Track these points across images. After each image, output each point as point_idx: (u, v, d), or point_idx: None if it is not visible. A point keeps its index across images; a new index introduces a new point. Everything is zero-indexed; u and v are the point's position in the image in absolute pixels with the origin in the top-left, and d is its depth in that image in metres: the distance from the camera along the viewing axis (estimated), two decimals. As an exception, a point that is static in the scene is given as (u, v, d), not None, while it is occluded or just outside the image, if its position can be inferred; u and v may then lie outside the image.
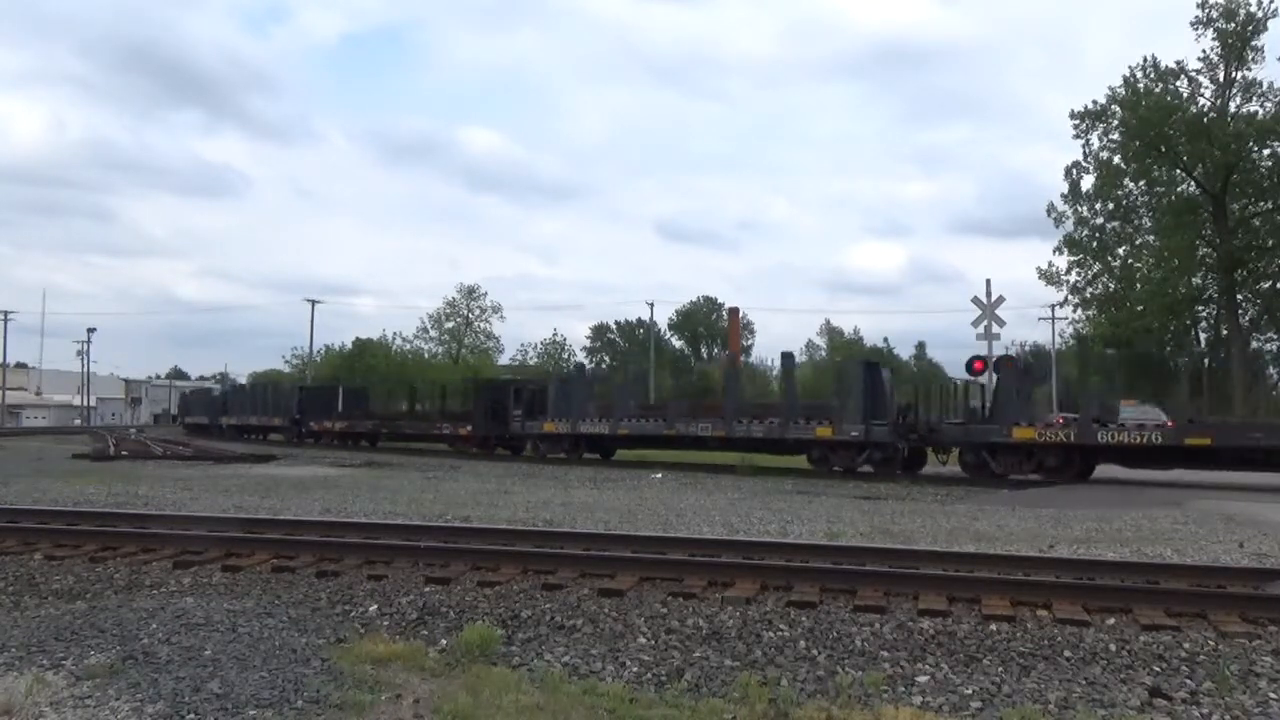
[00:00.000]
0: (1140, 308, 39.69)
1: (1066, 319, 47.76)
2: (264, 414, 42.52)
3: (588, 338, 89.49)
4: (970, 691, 4.60)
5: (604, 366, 74.77)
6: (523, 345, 76.56)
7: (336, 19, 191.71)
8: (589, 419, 25.30)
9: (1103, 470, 18.95)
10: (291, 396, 41.33)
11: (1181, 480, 17.41)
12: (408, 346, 69.03)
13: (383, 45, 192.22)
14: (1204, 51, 38.31)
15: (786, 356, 24.66)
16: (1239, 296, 39.48)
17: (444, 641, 5.45)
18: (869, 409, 19.88)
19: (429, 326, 71.47)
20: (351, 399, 38.32)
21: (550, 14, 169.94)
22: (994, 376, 20.73)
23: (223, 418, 46.86)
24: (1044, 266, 42.61)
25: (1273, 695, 4.52)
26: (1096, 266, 41.77)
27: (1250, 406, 18.56)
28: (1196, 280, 40.18)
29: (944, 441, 19.84)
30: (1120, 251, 42.22)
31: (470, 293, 72.35)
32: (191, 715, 3.96)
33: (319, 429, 37.23)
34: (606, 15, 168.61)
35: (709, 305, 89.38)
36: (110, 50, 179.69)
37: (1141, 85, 39.06)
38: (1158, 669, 4.87)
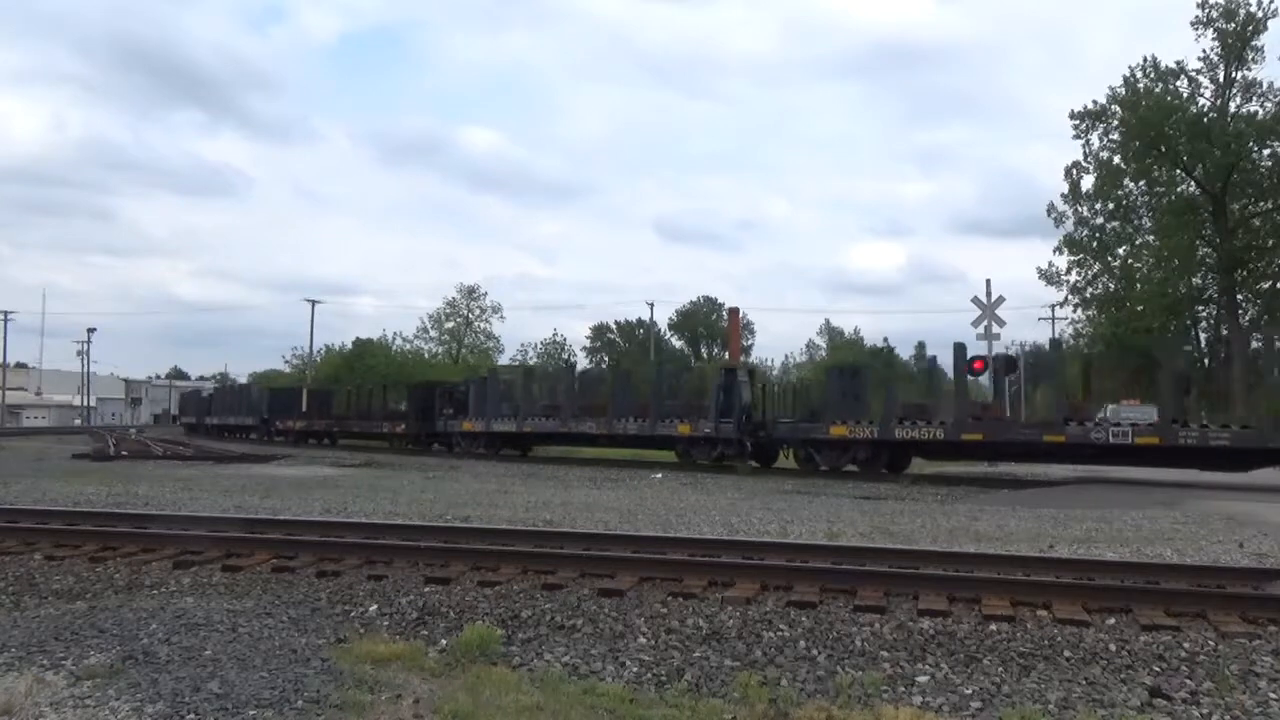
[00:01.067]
0: (1140, 308, 39.65)
1: (1066, 319, 47.74)
2: (240, 414, 45.90)
3: (588, 338, 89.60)
4: (970, 691, 4.60)
5: (603, 366, 74.80)
6: (523, 345, 76.44)
7: (335, 19, 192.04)
8: (501, 418, 28.06)
9: (1106, 470, 18.98)
10: (262, 398, 44.86)
11: (1181, 481, 17.43)
12: (408, 347, 68.97)
13: (382, 45, 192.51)
14: (1204, 51, 38.30)
15: (658, 365, 28.62)
16: (1239, 296, 39.47)
17: (444, 641, 5.45)
18: (723, 409, 22.58)
19: (429, 326, 71.45)
20: (314, 400, 41.50)
21: (549, 14, 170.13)
22: (833, 378, 23.45)
23: (207, 418, 50.73)
24: (1044, 266, 42.61)
25: (1273, 695, 4.52)
26: (1096, 266, 41.73)
27: (1250, 406, 18.64)
28: (1196, 280, 40.14)
29: (778, 437, 22.39)
30: (1120, 251, 42.18)
31: (470, 293, 72.31)
32: (191, 715, 3.96)
33: (283, 428, 40.77)
34: (606, 15, 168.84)
35: (709, 305, 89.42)
36: (109, 49, 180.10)
37: (1141, 85, 39.03)
38: (1158, 669, 4.87)
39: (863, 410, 21.18)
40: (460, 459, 27.31)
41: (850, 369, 24.96)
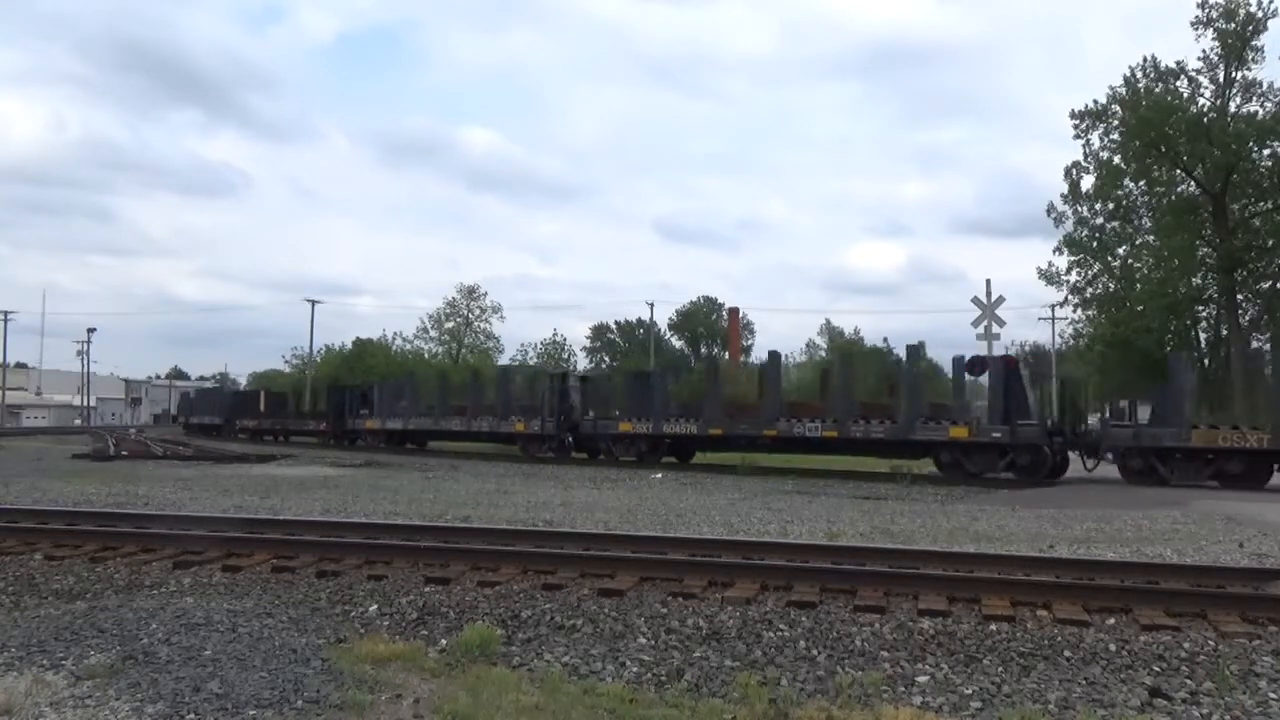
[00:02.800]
0: (1140, 308, 39.63)
1: (1066, 319, 47.73)
2: (213, 414, 50.76)
3: (587, 338, 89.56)
4: (970, 691, 4.60)
5: (604, 366, 74.87)
6: (523, 345, 76.36)
7: (334, 19, 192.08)
8: (393, 417, 32.65)
9: (1106, 470, 18.96)
10: (225, 400, 51.13)
11: (1180, 480, 17.42)
12: (408, 347, 68.95)
13: (381, 45, 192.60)
14: (1204, 51, 38.25)
15: (502, 369, 33.80)
16: (1239, 296, 39.44)
17: (444, 641, 5.45)
18: (552, 410, 25.84)
19: (429, 326, 71.40)
20: (271, 402, 46.08)
21: (548, 13, 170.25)
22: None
23: (192, 417, 55.94)
24: (1044, 266, 42.59)
25: (1273, 695, 4.52)
26: (1096, 266, 41.70)
27: (1249, 406, 18.69)
28: (1196, 280, 40.10)
29: (585, 433, 25.68)
30: (1120, 251, 42.16)
31: (470, 293, 72.20)
32: (191, 715, 3.96)
33: (242, 426, 45.18)
34: (605, 15, 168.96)
35: (709, 305, 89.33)
36: (108, 49, 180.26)
37: (1141, 85, 38.99)
38: (1158, 669, 4.87)
39: (648, 409, 23.94)
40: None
41: (641, 374, 28.24)
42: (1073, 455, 19.59)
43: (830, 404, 21.57)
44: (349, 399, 36.19)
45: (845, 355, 23.73)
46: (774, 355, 25.25)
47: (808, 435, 21.06)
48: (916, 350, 23.90)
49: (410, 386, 33.96)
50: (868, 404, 22.09)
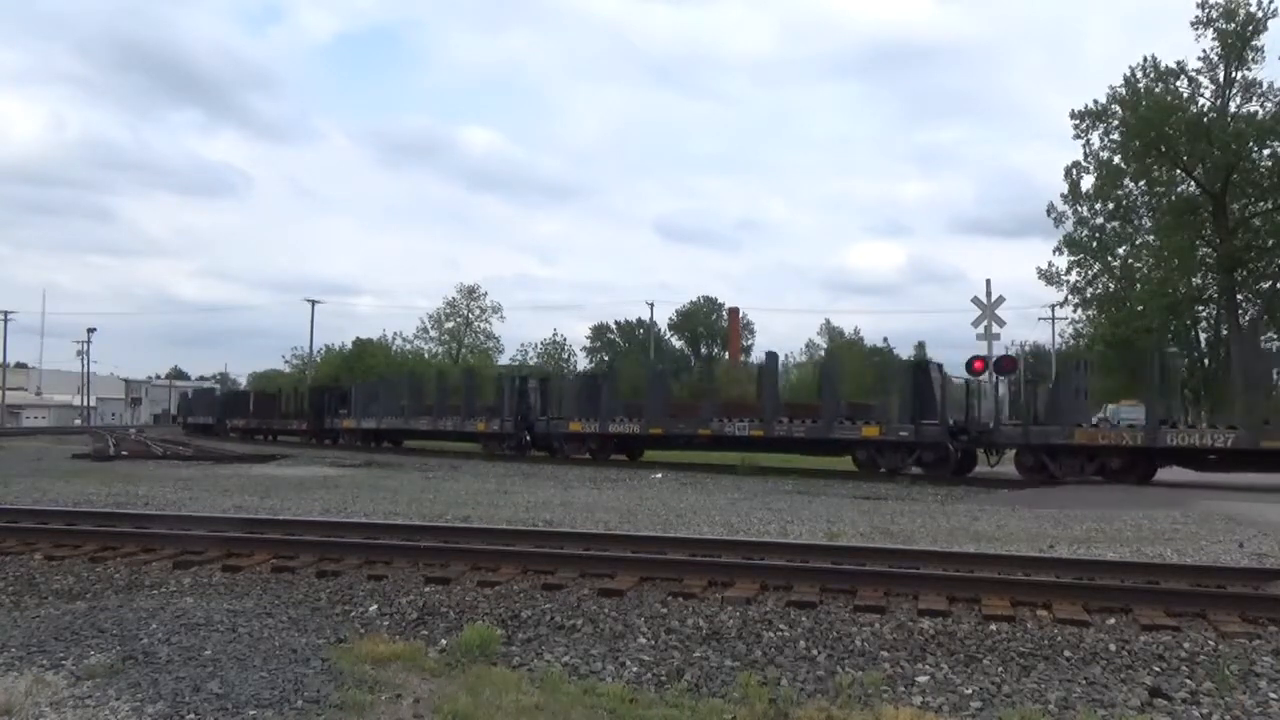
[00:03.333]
0: (1140, 308, 39.65)
1: (1066, 319, 47.76)
2: (206, 414, 53.68)
3: (587, 338, 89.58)
4: (970, 691, 4.60)
5: (604, 366, 74.85)
6: (523, 345, 76.35)
7: (334, 19, 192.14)
8: (367, 417, 34.34)
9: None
10: (217, 401, 54.51)
11: (1179, 480, 17.44)
12: (408, 347, 68.96)
13: (381, 45, 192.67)
14: (1204, 51, 38.27)
15: (465, 371, 36.37)
16: (1239, 296, 39.45)
17: (444, 641, 5.45)
18: (512, 411, 27.75)
19: (429, 326, 71.41)
20: (260, 403, 47.57)
21: (548, 13, 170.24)
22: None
23: (190, 417, 58.93)
24: (1044, 266, 42.61)
25: (1273, 695, 4.52)
26: (1096, 266, 41.71)
27: (1250, 406, 18.75)
28: (1196, 280, 40.12)
29: (540, 432, 27.22)
30: (1120, 251, 42.17)
31: (470, 293, 72.21)
32: (191, 715, 3.96)
33: (233, 426, 47.19)
34: (604, 14, 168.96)
35: (709, 305, 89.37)
36: (108, 49, 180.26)
37: (1141, 85, 39.00)
38: (1158, 669, 4.87)
39: (596, 410, 25.13)
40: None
41: (590, 376, 29.41)
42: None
43: (761, 405, 22.79)
44: (328, 400, 38.22)
45: (771, 357, 25.16)
46: (709, 361, 27.47)
47: (737, 434, 22.37)
48: (834, 356, 25.36)
49: (383, 388, 35.64)
50: (793, 404, 23.36)
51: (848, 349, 67.69)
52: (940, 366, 22.36)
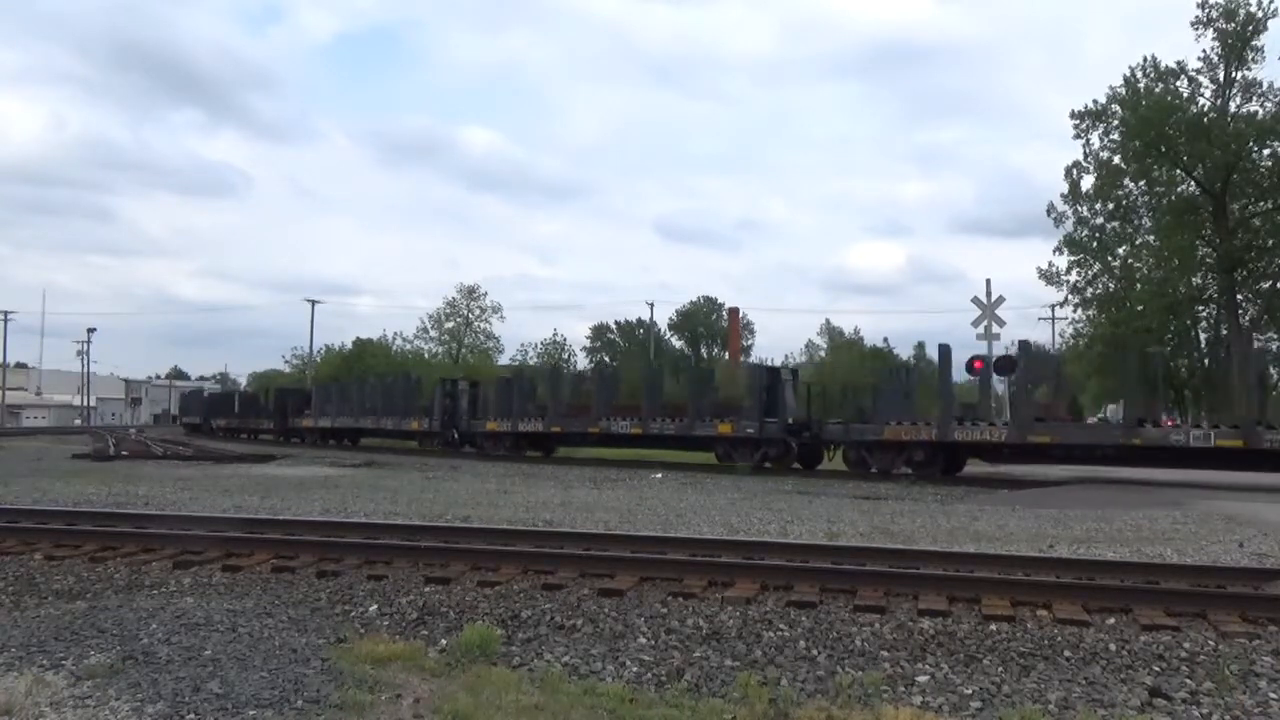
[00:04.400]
0: (1140, 308, 39.61)
1: (1066, 319, 47.69)
2: (195, 414, 56.83)
3: (587, 338, 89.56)
4: (970, 691, 4.60)
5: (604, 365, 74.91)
6: (523, 345, 76.25)
7: (333, 19, 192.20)
8: (324, 416, 37.69)
9: (1107, 470, 19.00)
10: (204, 401, 57.92)
11: (1181, 481, 17.44)
12: (408, 347, 68.90)
13: (381, 45, 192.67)
14: (1204, 51, 38.20)
15: (404, 376, 38.51)
16: (1239, 296, 39.42)
17: (444, 641, 5.45)
18: (441, 412, 30.19)
19: (429, 326, 71.32)
20: (244, 403, 50.18)
21: (548, 13, 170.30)
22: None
23: (184, 417, 62.41)
24: (1044, 266, 42.55)
25: (1273, 695, 4.52)
26: (1096, 266, 41.66)
27: (1250, 407, 18.81)
28: (1196, 280, 40.07)
29: (464, 431, 29.77)
30: (1120, 251, 42.12)
31: (470, 293, 72.03)
32: (191, 715, 3.96)
33: (217, 426, 50.11)
34: (605, 15, 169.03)
35: (709, 305, 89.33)
36: (108, 49, 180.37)
37: (1141, 85, 38.96)
38: (1158, 669, 4.87)
39: (508, 410, 27.94)
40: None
41: (505, 380, 31.57)
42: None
43: (644, 404, 24.94)
44: (291, 401, 42.02)
45: (667, 361, 28.10)
46: (600, 365, 30.63)
47: (621, 432, 24.81)
48: (708, 365, 28.27)
49: (336, 391, 39.44)
50: (669, 405, 25.12)
51: (847, 348, 67.76)
52: (796, 371, 25.49)
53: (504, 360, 67.47)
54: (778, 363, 30.23)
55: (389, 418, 32.92)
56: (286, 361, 77.01)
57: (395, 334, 70.05)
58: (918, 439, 19.71)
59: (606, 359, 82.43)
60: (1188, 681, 4.70)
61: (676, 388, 27.44)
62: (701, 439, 23.30)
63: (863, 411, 22.09)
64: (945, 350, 20.93)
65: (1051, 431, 18.76)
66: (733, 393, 26.47)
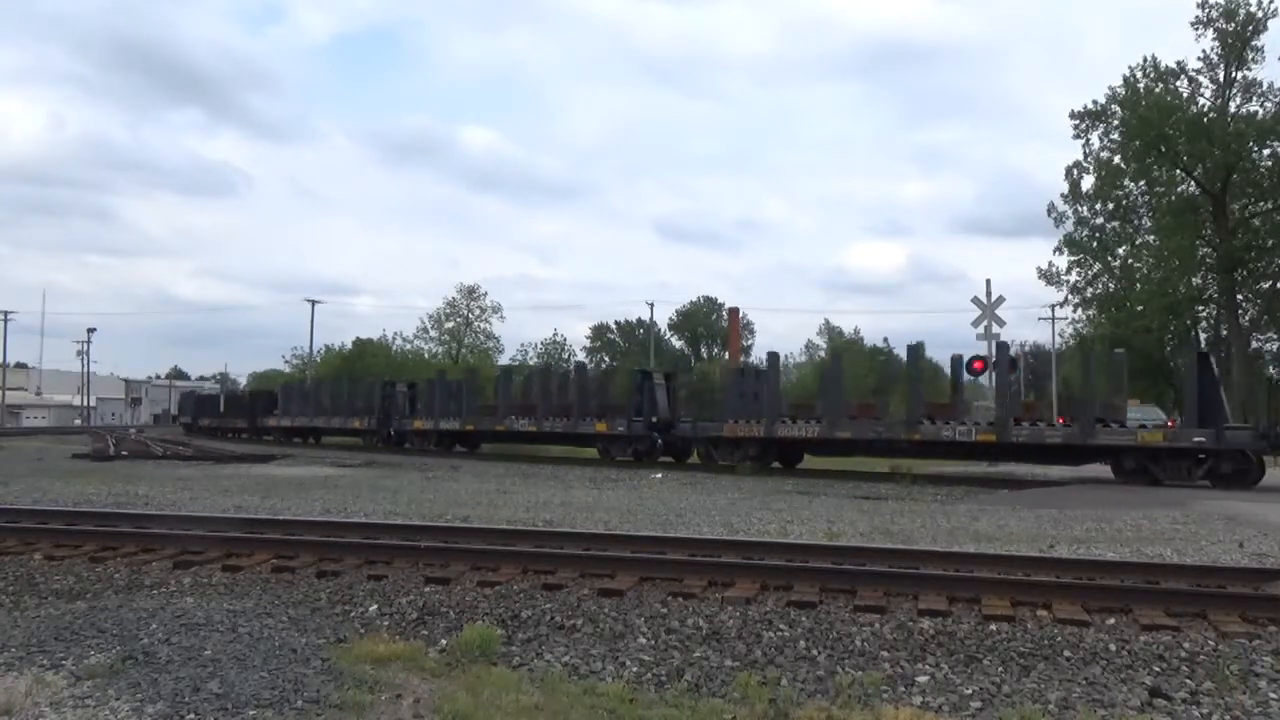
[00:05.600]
0: (1140, 308, 39.65)
1: (1066, 319, 47.72)
2: (188, 414, 58.94)
3: (587, 338, 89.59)
4: (970, 691, 4.60)
5: (604, 366, 74.98)
6: (523, 345, 76.37)
7: (333, 19, 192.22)
8: (288, 416, 40.11)
9: (1106, 470, 19.00)
10: (192, 403, 60.45)
11: (1181, 481, 17.44)
12: (408, 347, 68.95)
13: (381, 45, 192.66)
14: (1204, 51, 38.29)
15: (350, 379, 40.79)
16: (1239, 296, 39.44)
17: (444, 641, 5.45)
18: (381, 412, 32.68)
19: (429, 326, 71.38)
20: (230, 403, 52.50)
21: (548, 13, 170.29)
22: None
23: (183, 417, 63.47)
24: (1044, 266, 42.61)
25: (1273, 695, 4.52)
26: (1096, 266, 41.72)
27: (1249, 407, 18.73)
28: (1196, 280, 40.10)
29: (399, 430, 31.97)
30: (1120, 251, 42.18)
31: (470, 293, 72.14)
32: (191, 715, 3.96)
33: (202, 425, 52.51)
34: (605, 15, 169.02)
35: (709, 305, 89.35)
36: (107, 48, 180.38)
37: (1141, 85, 39.01)
38: (1158, 669, 4.87)
39: (431, 411, 30.18)
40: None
41: (432, 382, 33.03)
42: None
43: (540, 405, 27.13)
44: (261, 402, 45.22)
45: (581, 365, 31.37)
46: (506, 369, 34.69)
47: (520, 430, 27.50)
48: (584, 365, 33.38)
49: (296, 392, 42.64)
50: (562, 405, 26.61)
51: (847, 346, 67.68)
52: (669, 375, 27.21)
53: (504, 360, 67.60)
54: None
55: (338, 417, 35.88)
56: (286, 361, 77.17)
57: (395, 334, 70.23)
58: (751, 435, 22.11)
59: (607, 359, 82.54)
60: (1188, 681, 4.70)
61: (568, 389, 28.57)
62: (585, 435, 26.06)
63: (716, 411, 24.22)
64: (774, 357, 24.48)
65: (852, 428, 20.95)
66: (612, 395, 28.35)
